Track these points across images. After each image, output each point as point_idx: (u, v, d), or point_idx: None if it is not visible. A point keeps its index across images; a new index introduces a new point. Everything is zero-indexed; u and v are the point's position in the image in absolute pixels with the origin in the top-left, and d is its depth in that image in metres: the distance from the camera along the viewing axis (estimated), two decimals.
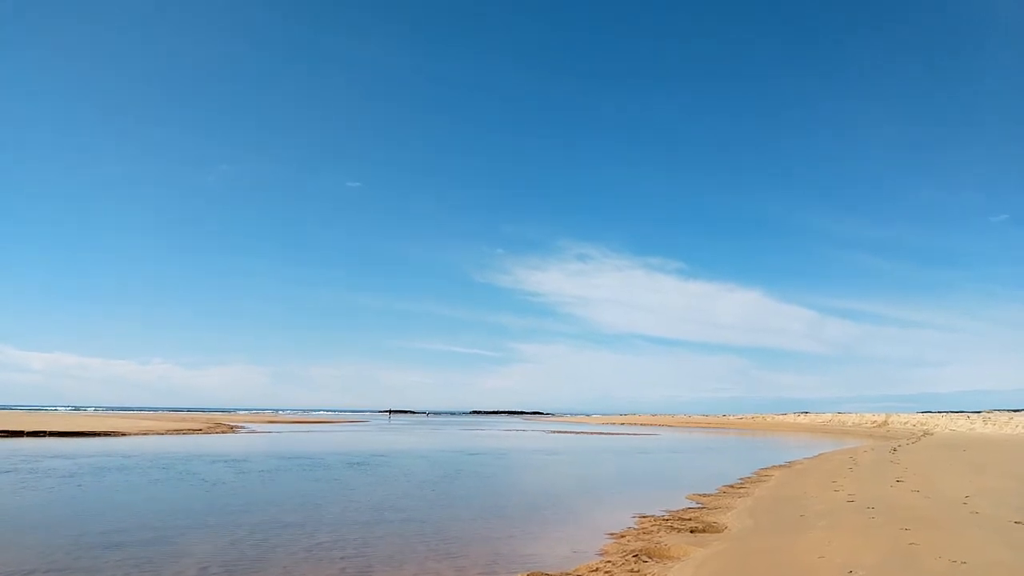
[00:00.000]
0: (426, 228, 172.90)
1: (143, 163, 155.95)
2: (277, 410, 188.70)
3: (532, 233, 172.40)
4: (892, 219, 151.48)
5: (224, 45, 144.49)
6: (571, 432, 59.53)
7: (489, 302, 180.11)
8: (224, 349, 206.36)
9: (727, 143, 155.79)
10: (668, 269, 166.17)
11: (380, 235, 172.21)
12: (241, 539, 9.97)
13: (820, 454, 29.69)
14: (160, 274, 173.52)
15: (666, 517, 12.05)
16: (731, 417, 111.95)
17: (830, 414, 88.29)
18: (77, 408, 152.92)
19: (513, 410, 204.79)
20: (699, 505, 13.75)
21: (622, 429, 68.93)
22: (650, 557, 8.75)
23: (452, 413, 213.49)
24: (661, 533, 10.43)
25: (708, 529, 10.74)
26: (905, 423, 65.59)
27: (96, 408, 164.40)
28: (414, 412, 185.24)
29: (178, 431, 44.28)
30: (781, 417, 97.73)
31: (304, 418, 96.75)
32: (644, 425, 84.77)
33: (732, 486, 17.14)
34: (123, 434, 39.48)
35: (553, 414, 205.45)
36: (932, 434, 48.44)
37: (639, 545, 9.46)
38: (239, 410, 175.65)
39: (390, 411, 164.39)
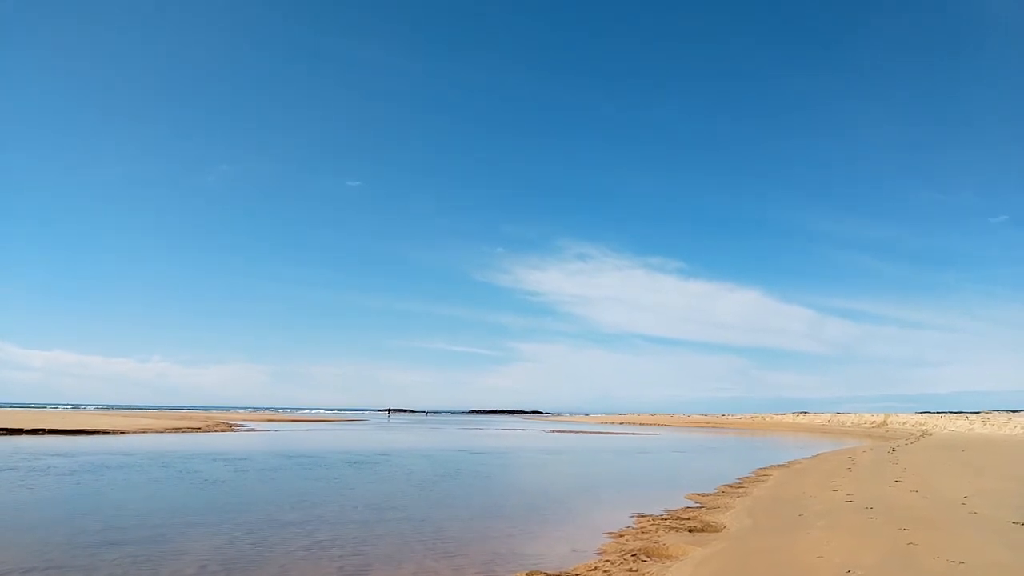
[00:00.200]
0: (426, 228, 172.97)
1: (143, 163, 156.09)
2: (277, 409, 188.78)
3: (532, 233, 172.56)
4: (892, 219, 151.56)
5: (224, 45, 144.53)
6: (570, 431, 59.54)
7: (489, 301, 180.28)
8: (223, 348, 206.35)
9: (727, 143, 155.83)
10: (668, 269, 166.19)
11: (380, 235, 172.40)
12: (239, 537, 9.96)
13: (819, 454, 29.69)
14: (160, 273, 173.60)
15: (665, 517, 12.04)
16: (730, 417, 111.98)
17: (829, 414, 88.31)
18: (77, 406, 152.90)
19: (512, 409, 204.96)
20: (698, 505, 13.74)
21: (621, 429, 68.94)
22: (649, 556, 8.74)
23: (451, 412, 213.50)
24: (660, 532, 10.43)
25: (707, 529, 10.73)
26: (904, 423, 65.62)
27: (96, 406, 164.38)
28: (413, 411, 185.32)
29: (177, 429, 44.28)
30: (780, 417, 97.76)
31: (303, 417, 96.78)
32: (643, 425, 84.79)
33: (731, 486, 17.14)
34: (122, 432, 39.47)
35: (552, 413, 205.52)
36: (931, 434, 48.45)
37: (638, 544, 9.45)
38: (239, 408, 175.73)
39: (389, 410, 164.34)
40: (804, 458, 27.10)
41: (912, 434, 50.34)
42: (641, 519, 11.83)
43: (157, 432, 40.79)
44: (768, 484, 17.24)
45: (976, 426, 52.39)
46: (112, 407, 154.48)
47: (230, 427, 51.67)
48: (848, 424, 75.27)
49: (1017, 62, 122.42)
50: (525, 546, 9.80)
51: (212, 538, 9.89)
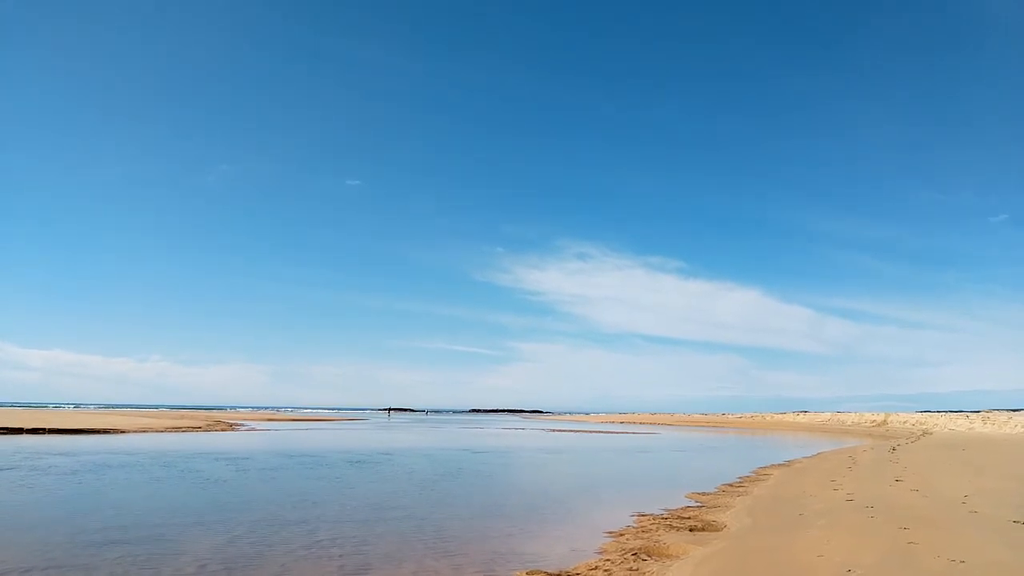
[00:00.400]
0: (426, 228, 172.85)
1: (143, 163, 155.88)
2: (277, 408, 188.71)
3: (532, 232, 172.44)
4: (892, 219, 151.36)
5: (224, 45, 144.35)
6: (571, 431, 59.55)
7: (489, 301, 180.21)
8: (223, 347, 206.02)
9: (727, 143, 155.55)
10: (668, 268, 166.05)
11: (380, 235, 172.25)
12: (240, 537, 9.97)
13: (819, 453, 29.70)
14: (160, 273, 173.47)
15: (665, 516, 12.05)
16: (730, 416, 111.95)
17: (829, 413, 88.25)
18: (79, 405, 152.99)
19: (513, 409, 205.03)
20: (698, 504, 13.75)
21: (622, 428, 68.96)
22: (649, 555, 8.75)
23: (452, 411, 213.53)
24: (660, 532, 10.43)
25: (707, 528, 10.74)
26: (904, 422, 65.61)
27: (96, 405, 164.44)
28: (414, 410, 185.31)
29: (177, 428, 44.29)
30: (780, 416, 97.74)
31: (304, 416, 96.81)
32: (644, 424, 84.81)
33: (731, 485, 17.15)
34: (122, 431, 39.50)
35: (553, 413, 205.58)
36: (931, 433, 48.45)
37: (638, 543, 9.46)
38: (239, 408, 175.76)
39: (390, 409, 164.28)
40: (804, 457, 27.10)
41: (912, 433, 50.34)
42: (641, 518, 11.83)
43: (157, 431, 40.81)
44: (768, 483, 17.25)
45: (976, 425, 52.39)
46: (112, 406, 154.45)
47: (230, 426, 51.68)
48: (848, 423, 75.25)
49: (1017, 62, 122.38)
50: (525, 545, 9.81)
51: (213, 537, 9.90)
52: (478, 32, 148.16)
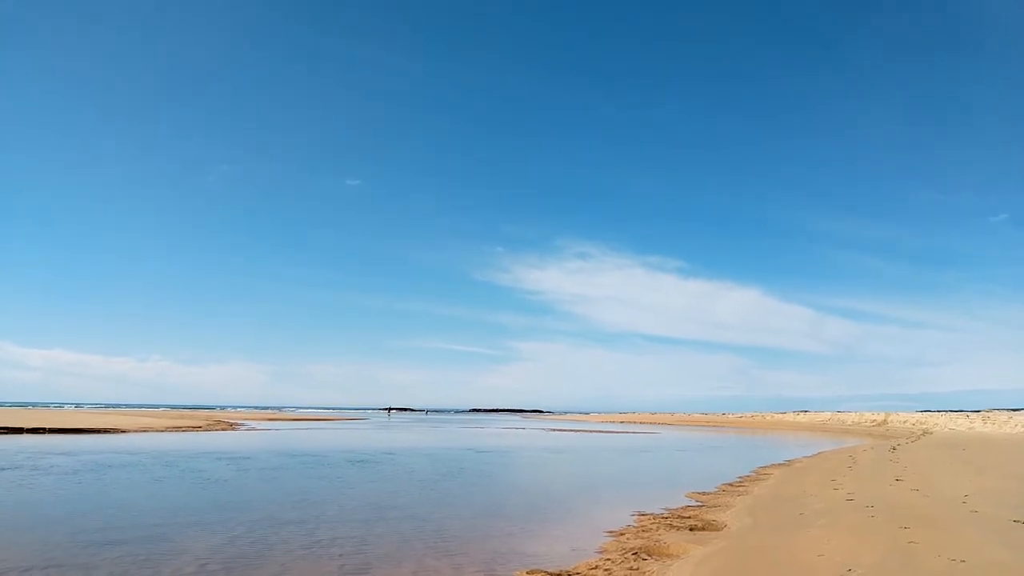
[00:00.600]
0: (426, 228, 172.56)
1: (143, 163, 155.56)
2: (277, 408, 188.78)
3: (532, 232, 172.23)
4: (892, 219, 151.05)
5: (224, 45, 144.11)
6: (571, 430, 59.55)
7: (489, 301, 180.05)
8: (223, 347, 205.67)
9: (727, 143, 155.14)
10: (668, 268, 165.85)
11: (380, 235, 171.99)
12: (240, 536, 9.97)
13: (819, 453, 29.69)
14: (160, 273, 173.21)
15: (665, 515, 12.04)
16: (731, 416, 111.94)
17: (829, 413, 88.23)
18: (79, 405, 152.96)
19: (513, 408, 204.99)
20: (698, 503, 13.75)
21: (622, 427, 68.96)
22: (649, 555, 8.75)
23: (452, 411, 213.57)
24: (660, 531, 10.43)
25: (707, 527, 10.74)
26: (904, 422, 65.59)
27: (96, 405, 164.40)
28: (414, 410, 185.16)
29: (178, 428, 44.31)
30: (781, 416, 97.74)
31: (304, 415, 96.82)
32: (644, 424, 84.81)
33: (732, 484, 17.14)
34: (123, 431, 39.50)
35: (553, 412, 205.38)
36: (931, 433, 48.44)
37: (638, 543, 9.46)
38: (239, 407, 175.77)
39: (390, 409, 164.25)
40: (805, 457, 27.10)
41: (913, 433, 50.33)
42: (642, 518, 11.83)
43: (158, 431, 40.82)
44: (769, 483, 17.24)
45: (977, 425, 52.38)
46: (112, 406, 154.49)
47: (231, 426, 51.69)
48: (849, 423, 75.24)
49: (1017, 62, 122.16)
50: (526, 545, 9.81)
51: (213, 537, 9.90)
52: (478, 32, 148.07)
